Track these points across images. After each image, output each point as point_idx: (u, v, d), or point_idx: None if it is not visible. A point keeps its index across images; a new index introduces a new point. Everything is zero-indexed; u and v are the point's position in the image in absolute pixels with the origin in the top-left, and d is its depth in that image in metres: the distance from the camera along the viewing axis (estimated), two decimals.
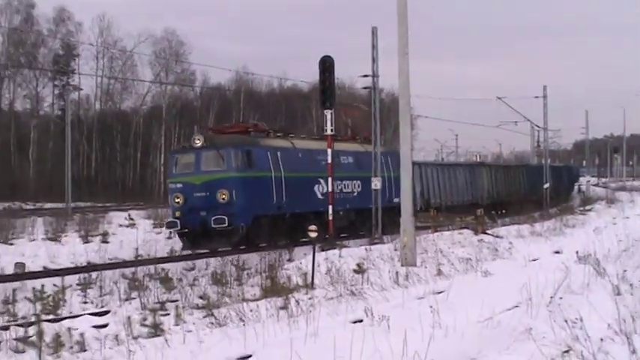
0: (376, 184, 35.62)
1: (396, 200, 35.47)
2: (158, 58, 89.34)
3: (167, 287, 21.29)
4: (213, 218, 27.07)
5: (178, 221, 28.93)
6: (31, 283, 21.17)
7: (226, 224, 27.23)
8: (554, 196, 63.88)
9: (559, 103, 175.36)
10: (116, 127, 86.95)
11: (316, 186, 32.27)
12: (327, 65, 28.25)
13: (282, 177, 29.78)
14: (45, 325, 14.35)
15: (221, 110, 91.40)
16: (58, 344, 13.22)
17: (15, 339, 14.18)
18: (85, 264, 27.82)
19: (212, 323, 15.05)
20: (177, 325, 15.28)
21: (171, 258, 28.96)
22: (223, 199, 27.38)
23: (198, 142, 29.15)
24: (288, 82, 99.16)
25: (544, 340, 10.24)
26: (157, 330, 14.55)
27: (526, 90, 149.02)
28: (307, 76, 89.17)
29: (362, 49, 38.25)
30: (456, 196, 49.14)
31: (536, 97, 65.86)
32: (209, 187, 27.85)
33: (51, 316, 16.67)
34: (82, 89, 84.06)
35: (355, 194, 35.42)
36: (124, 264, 25.93)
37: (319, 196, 32.23)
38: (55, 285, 20.41)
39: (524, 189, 65.46)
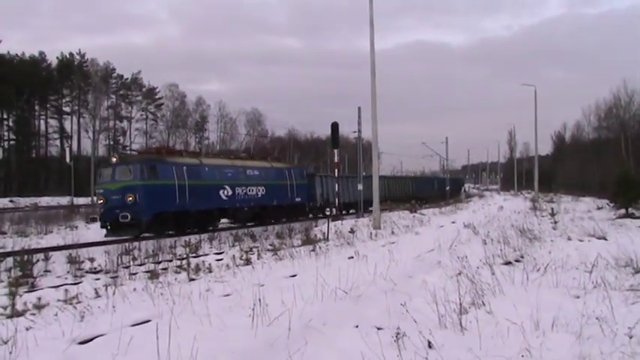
0: (359, 187, 35.05)
1: (297, 200, 33.40)
2: (249, 122, 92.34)
3: (253, 240, 21.63)
4: (120, 215, 23.01)
5: (98, 217, 24.44)
6: (183, 238, 21.51)
7: (129, 219, 22.91)
8: (451, 194, 65.43)
9: (455, 144, 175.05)
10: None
11: (221, 191, 27.15)
12: (334, 127, 30.43)
13: (186, 184, 24.76)
14: (190, 260, 14.69)
15: (280, 151, 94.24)
16: (197, 269, 13.55)
17: (176, 266, 14.49)
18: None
19: (276, 259, 15.32)
20: (258, 259, 15.46)
21: (255, 225, 29.02)
22: (130, 200, 22.98)
23: (114, 159, 24.92)
24: (315, 135, 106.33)
25: (447, 267, 10.65)
26: (248, 262, 14.80)
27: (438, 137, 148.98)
28: (325, 130, 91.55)
29: (353, 117, 37.18)
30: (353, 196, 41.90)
31: (442, 142, 69.75)
32: (121, 192, 23.37)
33: (193, 254, 16.98)
34: (208, 138, 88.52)
35: (259, 195, 29.95)
36: (229, 228, 26.21)
37: (224, 197, 27.33)
38: (195, 239, 20.84)
39: (436, 190, 66.28)
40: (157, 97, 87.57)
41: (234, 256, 15.60)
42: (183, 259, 15.50)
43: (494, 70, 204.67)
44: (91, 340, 6.29)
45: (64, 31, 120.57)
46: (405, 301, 7.34)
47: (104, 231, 23.59)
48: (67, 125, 79.67)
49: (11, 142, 72.39)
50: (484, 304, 7.23)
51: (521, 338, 5.70)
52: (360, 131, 35.36)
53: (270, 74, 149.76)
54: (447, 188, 64.03)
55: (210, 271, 13.32)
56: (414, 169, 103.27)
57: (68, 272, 15.24)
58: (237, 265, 14.18)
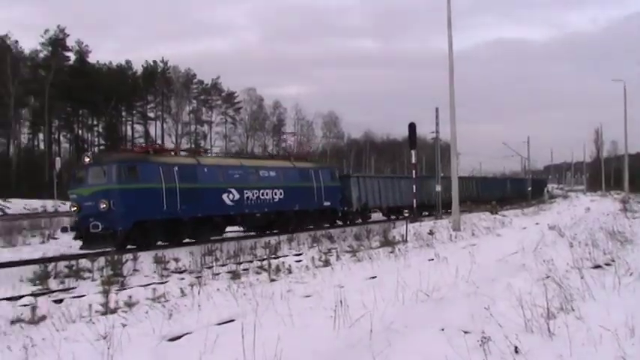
0: (437, 188, 34.25)
1: (325, 204, 29.02)
2: (325, 124, 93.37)
3: (331, 241, 21.72)
4: (91, 224, 19.25)
5: (68, 226, 20.90)
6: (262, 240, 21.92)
7: (99, 229, 19.15)
8: (533, 195, 62.95)
9: (536, 144, 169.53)
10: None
11: (225, 194, 23.27)
12: (412, 127, 30.09)
13: (177, 188, 20.99)
14: (270, 260, 14.93)
15: (357, 153, 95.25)
16: (277, 269, 13.76)
17: (257, 267, 14.76)
18: None
19: (355, 260, 15.35)
20: (337, 261, 15.57)
21: (332, 226, 29.00)
22: (103, 207, 19.21)
23: (87, 159, 20.82)
24: (391, 136, 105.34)
25: (532, 271, 10.31)
26: (326, 263, 14.91)
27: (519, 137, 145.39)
28: (401, 132, 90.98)
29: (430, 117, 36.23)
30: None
31: (523, 142, 67.58)
32: (94, 197, 19.62)
33: (273, 256, 17.25)
34: (286, 140, 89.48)
35: (276, 199, 25.80)
36: (309, 229, 26.18)
37: (228, 202, 23.45)
38: (274, 240, 21.16)
39: (516, 191, 63.21)
40: (235, 101, 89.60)
41: (312, 257, 15.75)
42: (263, 260, 15.81)
43: (579, 65, 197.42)
44: (180, 337, 6.51)
45: (149, 41, 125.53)
46: (488, 305, 7.17)
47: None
48: (152, 130, 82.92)
49: (101, 147, 75.88)
50: (573, 309, 6.96)
51: (616, 346, 5.44)
52: (437, 132, 34.83)
53: (347, 76, 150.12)
54: (529, 189, 62.16)
55: (290, 272, 13.54)
56: (495, 170, 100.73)
57: (155, 272, 15.82)
58: (316, 267, 14.32)
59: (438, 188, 33.67)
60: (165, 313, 7.86)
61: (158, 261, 16.50)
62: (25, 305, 10.33)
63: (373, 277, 11.02)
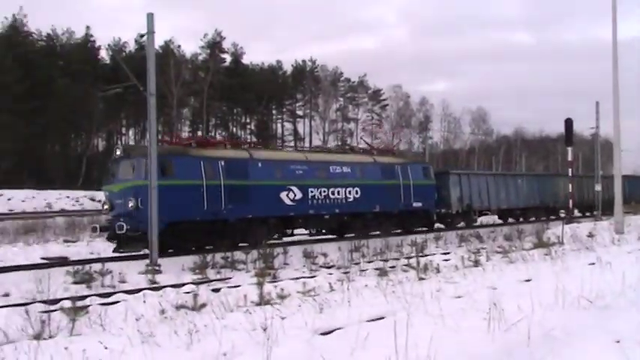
0: (597, 188, 32.09)
1: (415, 205, 25.70)
2: (473, 120, 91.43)
3: (480, 240, 21.05)
4: (117, 224, 17.52)
5: (98, 226, 18.60)
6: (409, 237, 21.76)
7: (124, 230, 17.41)
8: None
9: None
10: (452, 159, 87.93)
11: (283, 193, 20.84)
12: (568, 123, 28.33)
13: (222, 184, 18.94)
14: (418, 258, 14.75)
15: (506, 151, 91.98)
16: (425, 268, 13.56)
17: (404, 264, 14.65)
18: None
19: (507, 261, 14.75)
20: (487, 261, 15.07)
21: (479, 226, 27.99)
22: (131, 206, 17.56)
23: (118, 152, 19.26)
24: (544, 132, 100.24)
25: None
26: (476, 263, 14.46)
27: None
28: (556, 128, 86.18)
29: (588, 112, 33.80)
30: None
31: None
32: (123, 195, 18.03)
33: (420, 254, 17.06)
34: (432, 137, 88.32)
35: (350, 199, 23.11)
36: (456, 228, 25.58)
37: (288, 202, 21.01)
38: (421, 238, 20.84)
39: None
40: (381, 98, 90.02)
41: (462, 257, 15.35)
42: (410, 257, 15.66)
43: None
44: (331, 332, 6.59)
45: (299, 41, 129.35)
46: None
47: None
48: (300, 128, 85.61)
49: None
50: None
51: None
52: (597, 127, 32.63)
53: (498, 71, 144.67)
54: None
55: (439, 271, 13.26)
56: None
57: (304, 266, 16.28)
58: (465, 267, 13.93)
59: (598, 188, 31.49)
60: (316, 307, 8.00)
61: (307, 255, 17.01)
62: (187, 293, 11.04)
63: (528, 280, 10.48)
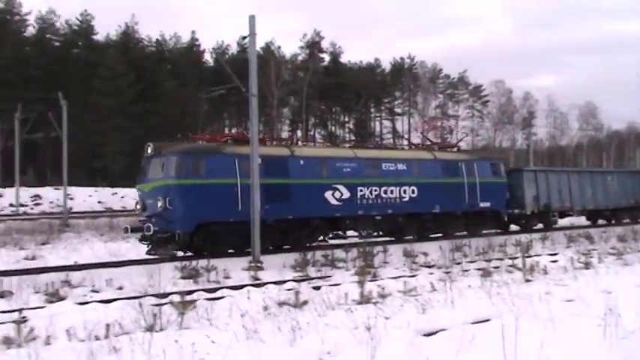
0: None
1: (482, 205, 23.47)
2: (581, 115, 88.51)
3: (590, 242, 19.99)
4: (145, 225, 17.09)
5: (129, 227, 18.10)
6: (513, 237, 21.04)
7: (151, 231, 16.78)
8: None
9: None
10: (558, 155, 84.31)
11: (328, 192, 19.43)
12: None
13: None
14: (524, 259, 14.19)
15: (618, 146, 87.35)
16: (531, 269, 13.00)
17: (508, 265, 14.09)
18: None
19: (622, 263, 13.92)
20: (599, 263, 14.27)
21: (590, 226, 26.37)
22: (160, 206, 16.89)
23: (149, 150, 18.26)
24: None
25: None
26: (587, 265, 13.72)
27: None
28: None
29: None
30: None
31: None
32: (154, 195, 17.44)
33: (526, 254, 16.41)
34: (536, 134, 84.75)
35: (405, 199, 21.29)
36: (569, 228, 24.18)
37: (333, 202, 19.56)
38: (525, 238, 20.09)
39: None
40: (482, 94, 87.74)
41: (571, 258, 14.65)
42: (515, 258, 15.11)
43: None
44: (434, 333, 6.46)
45: (397, 38, 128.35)
46: None
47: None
48: (399, 125, 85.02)
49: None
50: None
51: None
52: None
53: (607, 63, 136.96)
54: None
55: (546, 273, 12.73)
56: None
57: (404, 265, 16.10)
58: (575, 268, 13.29)
59: None
60: (418, 307, 7.88)
61: (407, 254, 16.81)
62: (289, 290, 11.20)
63: None
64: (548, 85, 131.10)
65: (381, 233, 21.83)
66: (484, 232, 23.08)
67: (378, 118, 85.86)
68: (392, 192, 21.10)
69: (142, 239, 17.72)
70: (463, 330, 6.14)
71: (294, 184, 19.08)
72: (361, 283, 9.44)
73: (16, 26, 62.05)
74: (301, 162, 19.54)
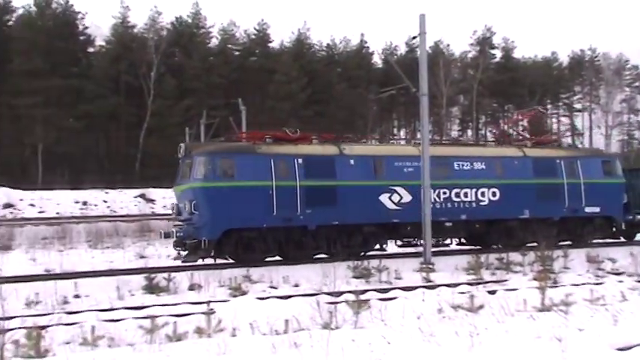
0: None
1: (588, 210, 19.71)
2: None
3: None
4: (171, 231, 16.35)
5: (162, 231, 17.11)
6: None
7: (175, 237, 15.89)
8: None
9: None
10: None
11: (384, 194, 17.11)
12: None
13: (297, 186, 16.13)
14: None
15: None
16: None
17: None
18: None
19: None
20: None
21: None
22: (187, 210, 15.83)
23: (181, 151, 16.96)
24: None
25: None
26: None
27: None
28: None
29: None
30: None
31: None
32: (183, 198, 16.45)
33: None
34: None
35: (483, 202, 18.37)
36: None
37: (390, 206, 17.19)
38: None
39: None
40: None
41: None
42: None
43: None
44: (630, 348, 5.91)
45: (575, 29, 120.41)
46: None
47: None
48: (579, 122, 79.65)
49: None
50: None
51: None
52: None
53: None
54: None
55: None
56: None
57: (587, 271, 15.08)
58: None
59: None
60: (608, 318, 7.27)
61: (591, 260, 15.74)
62: (462, 293, 10.91)
63: None
64: None
65: (453, 241, 19.54)
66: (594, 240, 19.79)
67: (555, 115, 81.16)
68: (466, 195, 18.53)
69: (176, 245, 16.63)
70: None
71: (342, 186, 17.18)
72: (542, 289, 8.93)
73: (202, 38, 67.17)
74: (351, 161, 17.49)
